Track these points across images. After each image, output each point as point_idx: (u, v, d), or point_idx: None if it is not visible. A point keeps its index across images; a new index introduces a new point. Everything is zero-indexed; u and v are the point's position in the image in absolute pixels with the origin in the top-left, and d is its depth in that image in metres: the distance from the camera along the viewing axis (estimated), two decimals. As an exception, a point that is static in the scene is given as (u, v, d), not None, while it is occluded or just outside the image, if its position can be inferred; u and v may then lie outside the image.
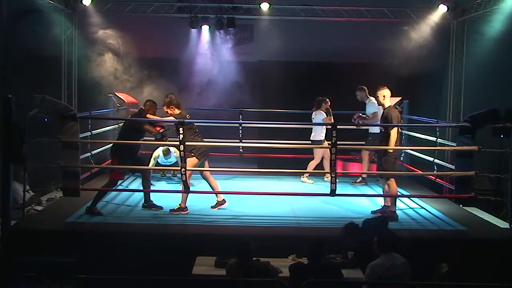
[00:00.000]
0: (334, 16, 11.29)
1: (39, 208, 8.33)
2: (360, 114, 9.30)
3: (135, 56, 10.93)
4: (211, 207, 7.72)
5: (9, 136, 6.58)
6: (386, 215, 7.36)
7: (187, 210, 7.56)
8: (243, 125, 10.32)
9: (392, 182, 7.53)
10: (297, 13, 11.29)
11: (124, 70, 10.75)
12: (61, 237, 6.58)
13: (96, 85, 10.52)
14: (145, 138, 8.14)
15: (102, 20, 10.98)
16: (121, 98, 10.35)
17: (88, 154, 8.69)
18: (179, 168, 7.29)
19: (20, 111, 6.69)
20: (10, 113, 6.54)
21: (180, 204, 7.55)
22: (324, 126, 9.35)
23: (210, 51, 12.09)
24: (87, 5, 10.82)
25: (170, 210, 7.58)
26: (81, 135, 7.66)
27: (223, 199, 7.77)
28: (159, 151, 8.98)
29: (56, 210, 7.72)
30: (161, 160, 9.02)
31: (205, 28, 11.80)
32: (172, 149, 8.90)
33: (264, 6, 11.03)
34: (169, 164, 9.08)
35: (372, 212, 7.64)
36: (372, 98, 9.33)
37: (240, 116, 10.64)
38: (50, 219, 7.19)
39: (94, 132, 8.93)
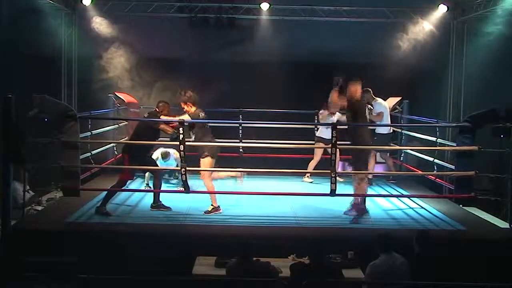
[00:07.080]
0: (334, 16, 11.29)
1: (39, 208, 8.33)
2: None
3: (135, 56, 10.92)
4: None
5: (9, 136, 6.57)
6: (357, 212, 7.43)
7: (220, 209, 7.56)
8: (243, 125, 10.31)
9: (362, 182, 7.54)
10: (297, 13, 11.28)
11: (124, 70, 10.75)
12: (61, 237, 6.58)
13: (96, 85, 10.51)
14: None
15: (102, 20, 10.97)
16: (121, 98, 10.36)
17: (88, 154, 8.69)
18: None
19: (20, 111, 6.69)
20: (10, 113, 6.53)
21: (212, 205, 7.55)
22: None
23: (209, 51, 12.06)
24: (87, 5, 10.81)
25: (204, 211, 7.55)
26: (81, 135, 7.66)
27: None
28: (157, 154, 8.84)
29: (56, 210, 7.73)
30: (160, 163, 8.78)
31: (205, 28, 11.78)
32: (171, 151, 8.79)
33: (264, 6, 11.03)
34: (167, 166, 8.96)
35: (345, 213, 7.61)
36: (378, 99, 9.35)
37: (240, 116, 10.63)
38: (50, 219, 7.19)
39: (94, 132, 8.93)
